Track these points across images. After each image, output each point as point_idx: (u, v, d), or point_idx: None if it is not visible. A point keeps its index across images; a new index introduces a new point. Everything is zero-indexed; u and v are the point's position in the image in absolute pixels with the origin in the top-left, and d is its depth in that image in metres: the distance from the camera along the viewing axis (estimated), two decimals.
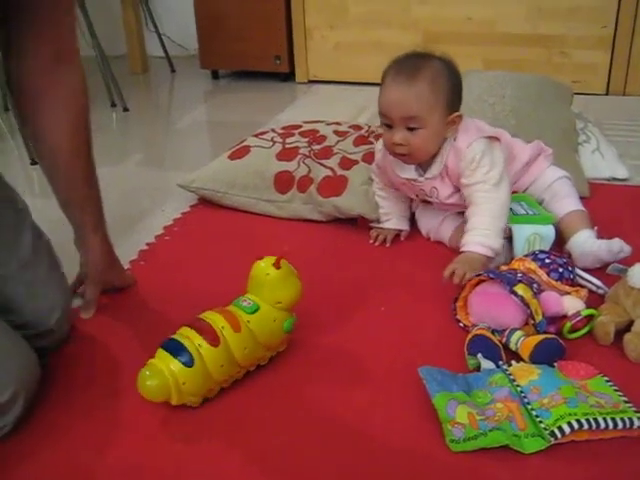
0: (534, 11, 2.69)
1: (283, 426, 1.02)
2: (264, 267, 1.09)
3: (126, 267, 1.48)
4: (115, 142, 2.53)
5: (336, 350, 1.19)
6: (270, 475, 0.94)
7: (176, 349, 1.01)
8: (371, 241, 1.56)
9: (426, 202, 1.54)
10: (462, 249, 1.34)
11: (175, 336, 1.04)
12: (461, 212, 1.48)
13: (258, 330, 1.08)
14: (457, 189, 1.43)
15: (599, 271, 1.35)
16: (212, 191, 1.74)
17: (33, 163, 2.16)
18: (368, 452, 0.97)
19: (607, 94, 2.74)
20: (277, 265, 1.09)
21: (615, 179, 1.86)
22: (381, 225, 1.57)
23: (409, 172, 1.45)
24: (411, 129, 1.33)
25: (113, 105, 2.81)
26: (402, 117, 1.32)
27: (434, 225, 1.53)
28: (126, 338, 1.24)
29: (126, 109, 2.78)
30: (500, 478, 0.92)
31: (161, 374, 1.00)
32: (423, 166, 1.44)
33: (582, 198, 1.56)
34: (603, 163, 1.88)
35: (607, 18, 2.65)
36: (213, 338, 1.03)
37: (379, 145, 1.52)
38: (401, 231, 1.57)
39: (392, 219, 1.56)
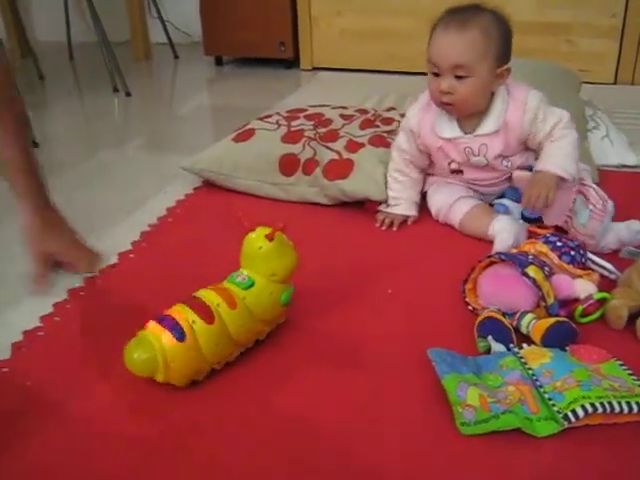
0: None
1: (286, 406, 1.00)
2: (256, 240, 1.07)
3: (127, 248, 1.47)
4: (117, 126, 2.51)
5: (343, 333, 1.17)
6: (271, 456, 0.91)
7: (169, 324, 0.98)
8: (377, 225, 1.53)
9: (456, 173, 1.51)
10: (538, 168, 1.37)
11: (168, 311, 1.01)
12: (474, 194, 1.49)
13: (254, 305, 1.05)
14: (507, 147, 1.42)
15: (611, 256, 1.33)
16: (216, 173, 1.71)
17: (34, 145, 2.14)
18: (375, 435, 0.94)
19: (615, 83, 2.71)
20: (270, 237, 1.06)
21: (625, 166, 1.83)
22: (389, 210, 1.54)
23: (453, 131, 1.44)
24: (459, 77, 1.34)
25: (115, 90, 2.77)
26: (451, 65, 1.33)
27: (446, 204, 1.50)
28: (122, 315, 1.22)
29: (128, 94, 2.75)
30: (512, 462, 0.90)
31: (150, 347, 0.97)
32: (467, 123, 1.43)
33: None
34: (612, 150, 1.86)
35: (616, 7, 2.62)
36: (208, 315, 1.00)
37: (413, 110, 1.50)
38: (409, 217, 1.54)
39: (402, 204, 1.54)
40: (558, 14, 2.67)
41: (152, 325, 0.99)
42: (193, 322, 0.99)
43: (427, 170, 1.58)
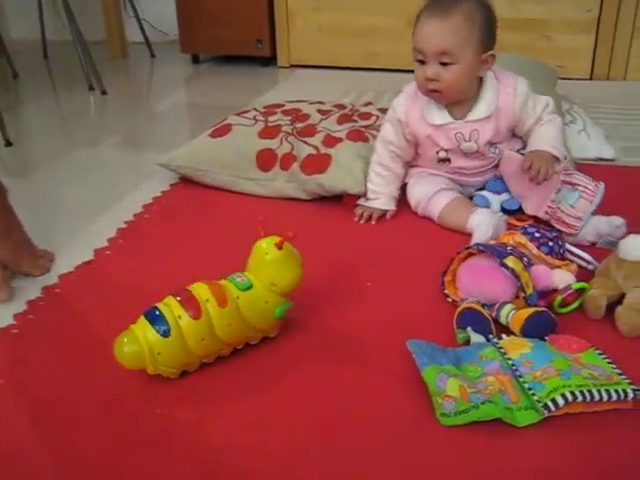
0: None
1: (267, 401, 0.99)
2: (265, 247, 1.05)
3: (104, 244, 1.45)
4: (93, 124, 2.48)
5: (321, 327, 1.16)
6: (253, 450, 0.90)
7: (155, 318, 0.98)
8: (356, 219, 1.52)
9: (443, 161, 1.50)
10: (531, 149, 1.40)
11: (158, 304, 1.00)
12: (455, 186, 1.51)
13: (246, 308, 1.03)
14: (497, 133, 1.44)
15: (589, 247, 1.34)
16: (193, 169, 1.70)
17: (8, 144, 2.11)
18: (356, 428, 0.93)
19: (591, 79, 2.73)
20: (279, 246, 1.04)
21: (602, 159, 1.85)
22: (368, 204, 1.54)
23: (443, 117, 1.44)
24: (444, 64, 1.35)
25: (91, 89, 2.74)
26: (435, 51, 1.34)
27: (426, 197, 1.50)
28: (97, 312, 1.21)
29: (104, 92, 2.72)
30: (493, 452, 0.89)
31: (137, 341, 0.97)
32: (457, 110, 1.44)
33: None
34: (590, 143, 1.87)
35: (591, 2, 2.64)
36: (195, 310, 0.99)
37: (399, 100, 1.50)
38: (387, 211, 1.54)
39: (381, 198, 1.53)
40: (534, 10, 2.68)
41: (140, 319, 0.99)
42: (179, 317, 0.98)
43: (410, 162, 1.58)
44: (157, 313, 0.98)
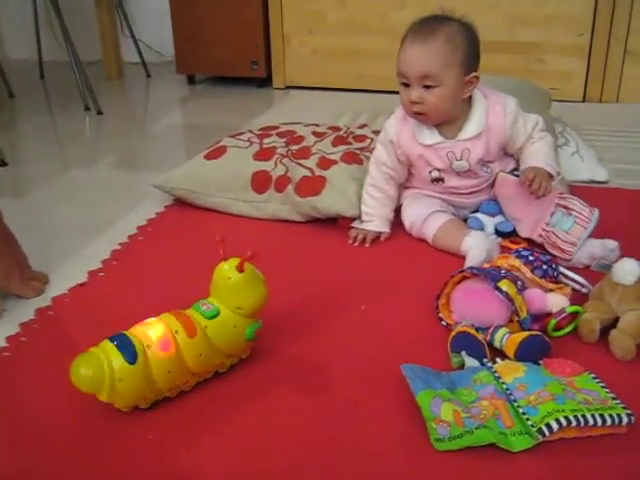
0: (511, 18, 2.69)
1: (255, 432, 0.98)
2: (226, 270, 1.03)
3: (98, 266, 1.44)
4: (88, 145, 2.48)
5: (315, 351, 1.15)
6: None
7: (122, 343, 0.96)
8: (350, 241, 1.52)
9: (437, 181, 1.51)
10: (526, 166, 1.41)
11: (127, 332, 0.99)
12: (449, 208, 1.52)
13: (216, 336, 1.02)
14: (488, 152, 1.45)
15: (582, 270, 1.34)
16: (187, 191, 1.70)
17: (2, 164, 2.11)
18: (349, 454, 0.93)
19: (584, 101, 2.75)
20: (240, 269, 1.02)
21: (594, 181, 1.85)
22: (362, 226, 1.54)
23: (434, 137, 1.46)
24: (427, 87, 1.36)
25: (87, 109, 2.75)
26: (418, 75, 1.36)
27: (420, 218, 1.50)
28: (90, 334, 1.16)
29: (100, 112, 2.73)
30: (487, 477, 0.89)
31: (98, 364, 0.94)
32: (447, 130, 1.45)
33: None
34: (582, 165, 1.88)
35: (583, 26, 2.66)
36: (164, 342, 0.97)
37: (391, 122, 1.51)
38: (382, 233, 1.54)
39: (375, 220, 1.53)
40: (527, 33, 2.70)
41: (105, 343, 0.97)
42: (147, 346, 0.97)
43: (404, 183, 1.58)
44: (125, 339, 0.96)
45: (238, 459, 0.92)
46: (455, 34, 1.37)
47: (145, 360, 0.96)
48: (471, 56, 1.39)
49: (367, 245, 1.51)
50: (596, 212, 1.35)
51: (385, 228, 1.54)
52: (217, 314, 1.03)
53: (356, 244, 1.52)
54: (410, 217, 1.53)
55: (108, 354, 0.95)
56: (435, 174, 1.51)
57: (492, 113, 1.44)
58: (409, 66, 1.37)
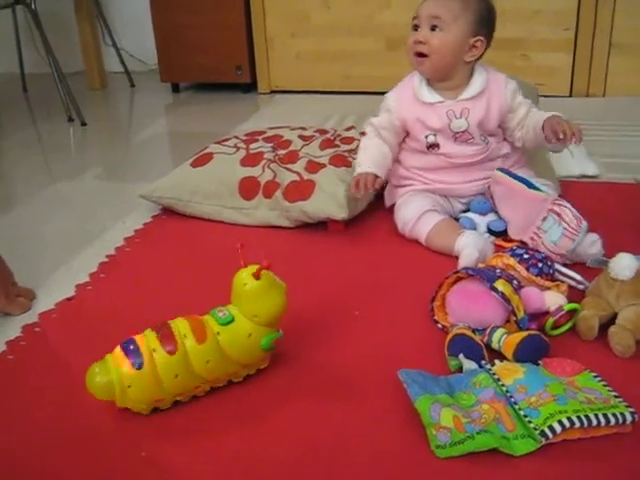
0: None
1: (255, 439, 0.96)
2: (243, 277, 1.01)
3: (85, 280, 1.42)
4: (73, 156, 2.45)
5: (308, 359, 1.13)
6: None
7: (129, 350, 0.96)
8: (352, 190, 1.48)
9: (432, 147, 1.52)
10: (547, 116, 1.45)
11: (136, 336, 0.99)
12: (442, 207, 1.52)
13: (229, 344, 1.00)
14: (488, 115, 1.49)
15: (578, 266, 1.32)
16: (175, 200, 1.67)
17: None
18: (349, 464, 0.90)
19: (570, 96, 2.74)
20: (257, 275, 1.01)
21: (585, 176, 1.85)
22: (354, 175, 1.51)
23: (435, 97, 1.51)
24: (433, 29, 1.45)
25: (70, 120, 2.72)
26: (428, 14, 1.45)
27: (412, 218, 1.49)
28: (78, 349, 1.18)
29: (84, 123, 2.70)
30: None
31: (109, 372, 0.95)
32: (448, 94, 1.51)
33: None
34: (573, 161, 1.86)
35: (568, 21, 2.66)
36: (171, 345, 0.97)
37: (391, 91, 1.57)
38: (376, 176, 1.49)
39: (364, 163, 1.52)
40: (512, 29, 2.69)
41: (116, 350, 0.97)
42: (154, 350, 0.96)
43: (398, 180, 1.59)
44: (132, 345, 0.97)
45: (238, 470, 0.90)
46: None
47: (152, 365, 0.95)
48: (481, 21, 1.46)
49: (370, 189, 1.47)
50: (584, 224, 1.32)
51: (377, 170, 1.50)
52: (231, 321, 1.01)
53: (361, 192, 1.46)
54: (403, 217, 1.52)
55: (117, 361, 0.96)
56: (431, 139, 1.52)
57: (493, 82, 1.51)
58: (423, 7, 1.47)
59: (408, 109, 1.52)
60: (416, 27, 1.48)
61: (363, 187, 1.47)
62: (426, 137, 1.52)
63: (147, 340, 0.97)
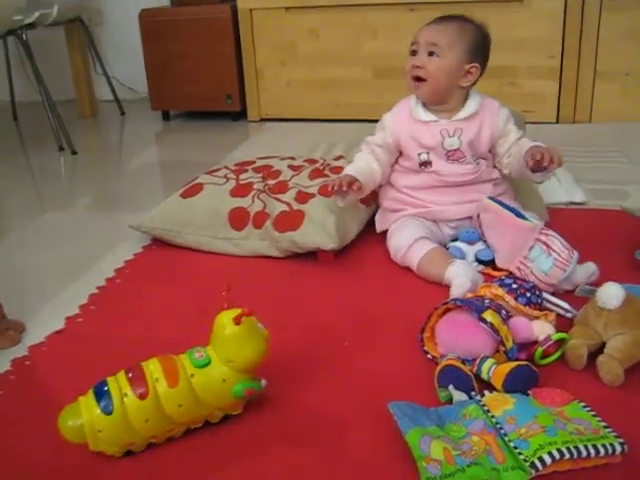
0: None
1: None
2: (224, 321, 0.99)
3: (75, 312, 1.42)
4: (63, 186, 2.46)
5: (298, 391, 1.12)
6: None
7: (100, 393, 0.96)
8: (329, 189, 1.50)
9: (425, 165, 1.57)
10: (531, 146, 1.48)
11: (108, 379, 0.98)
12: (433, 235, 1.53)
13: (202, 387, 0.98)
14: (478, 136, 1.54)
15: (566, 295, 1.33)
16: (165, 230, 1.68)
17: None
18: None
19: (557, 122, 2.77)
20: (237, 321, 0.98)
21: (573, 203, 1.86)
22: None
23: (430, 116, 1.57)
24: (431, 54, 1.51)
25: (61, 149, 2.73)
26: (427, 41, 1.52)
27: (405, 245, 1.50)
28: (68, 382, 1.16)
29: (74, 152, 2.71)
30: None
31: (80, 415, 0.94)
32: (443, 115, 1.57)
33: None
34: (560, 188, 1.88)
35: (553, 48, 2.70)
36: (142, 389, 0.95)
37: (387, 113, 1.63)
38: (355, 180, 1.50)
39: (347, 171, 1.56)
40: (499, 58, 2.71)
41: (89, 393, 0.97)
42: (125, 394, 0.95)
43: (390, 203, 1.62)
44: (104, 389, 0.96)
45: None
46: (468, 27, 1.53)
47: (123, 409, 0.94)
48: (476, 49, 1.53)
49: (344, 188, 1.48)
50: (575, 254, 1.33)
51: (355, 174, 1.53)
52: (207, 363, 0.99)
53: (335, 188, 1.48)
54: (396, 244, 1.53)
55: (88, 404, 0.95)
56: (424, 156, 1.56)
57: (487, 106, 1.57)
58: (422, 33, 1.54)
59: (403, 127, 1.58)
60: (414, 52, 1.54)
61: (337, 185, 1.48)
62: (419, 155, 1.57)
63: (119, 383, 0.96)
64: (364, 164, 1.60)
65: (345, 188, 1.48)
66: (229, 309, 1.00)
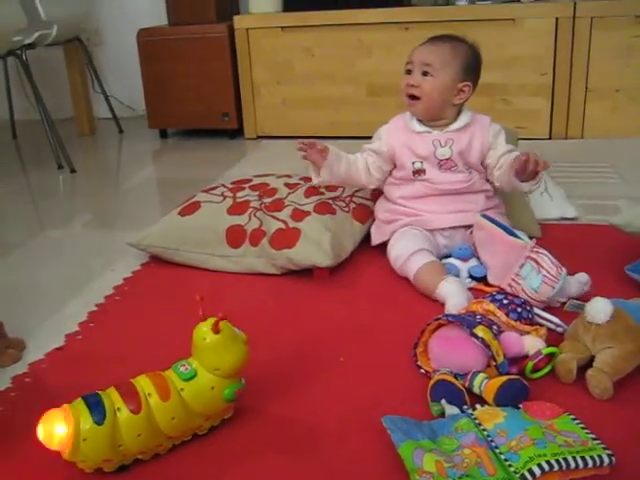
0: None
1: None
2: (203, 331, 1.01)
3: (75, 329, 1.43)
4: (62, 204, 2.48)
5: (294, 405, 1.15)
6: None
7: (93, 403, 0.96)
8: (298, 148, 1.67)
9: (419, 173, 1.63)
10: (510, 161, 1.54)
11: (99, 392, 0.99)
12: (433, 248, 1.55)
13: (193, 398, 1.00)
14: (469, 147, 1.60)
15: (556, 309, 1.36)
16: (163, 248, 1.70)
17: None
18: None
19: (550, 138, 2.81)
20: (216, 329, 1.01)
21: (564, 219, 1.89)
22: None
23: (424, 128, 1.64)
24: (425, 75, 1.58)
25: (60, 167, 2.76)
26: (421, 61, 1.59)
27: (406, 253, 1.53)
28: (66, 399, 1.13)
29: (73, 170, 2.74)
30: None
31: (65, 421, 0.93)
32: (436, 128, 1.63)
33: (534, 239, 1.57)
34: (552, 204, 1.91)
35: (545, 66, 2.74)
36: (134, 404, 0.97)
37: (386, 126, 1.70)
38: (326, 148, 1.66)
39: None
40: (492, 75, 2.76)
41: (78, 400, 0.97)
42: (118, 409, 0.96)
43: (389, 214, 1.66)
44: (97, 399, 0.96)
45: None
46: (460, 47, 1.60)
47: (113, 422, 0.95)
48: (468, 69, 1.60)
49: (313, 148, 1.65)
50: (564, 271, 1.36)
51: (333, 149, 1.67)
52: (194, 376, 1.02)
53: (303, 147, 1.66)
54: (397, 251, 1.57)
55: (77, 412, 0.95)
56: (417, 165, 1.63)
57: (478, 120, 1.64)
58: (417, 54, 1.61)
59: (398, 137, 1.65)
60: (409, 71, 1.61)
61: (308, 144, 1.64)
62: (413, 163, 1.62)
63: (111, 398, 0.97)
64: (350, 156, 1.70)
65: (313, 148, 1.63)
66: (205, 319, 1.02)
